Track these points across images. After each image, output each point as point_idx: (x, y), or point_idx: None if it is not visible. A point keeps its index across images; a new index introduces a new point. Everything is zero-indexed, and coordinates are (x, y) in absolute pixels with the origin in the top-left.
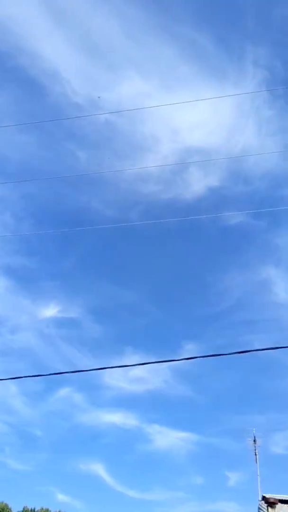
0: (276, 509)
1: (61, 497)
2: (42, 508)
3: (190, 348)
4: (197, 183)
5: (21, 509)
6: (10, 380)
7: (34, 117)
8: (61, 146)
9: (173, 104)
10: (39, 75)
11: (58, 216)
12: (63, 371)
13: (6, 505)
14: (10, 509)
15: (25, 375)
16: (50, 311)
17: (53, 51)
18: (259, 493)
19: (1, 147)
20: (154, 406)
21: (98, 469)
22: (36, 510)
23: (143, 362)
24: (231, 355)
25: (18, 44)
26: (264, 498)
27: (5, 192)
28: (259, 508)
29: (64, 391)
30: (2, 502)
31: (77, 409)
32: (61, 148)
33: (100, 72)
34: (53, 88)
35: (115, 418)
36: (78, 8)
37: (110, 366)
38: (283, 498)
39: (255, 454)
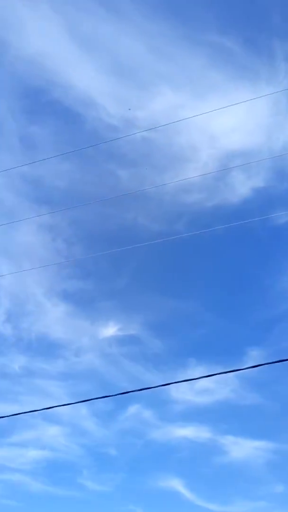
0: None
1: None
2: None
3: (254, 354)
4: (242, 186)
5: None
6: (80, 403)
7: (74, 145)
8: (101, 168)
9: (207, 112)
10: (73, 104)
11: (107, 236)
12: (130, 390)
13: None
14: None
15: (95, 397)
16: (110, 330)
17: (84, 79)
18: None
19: (47, 178)
20: (225, 417)
21: (176, 484)
22: None
23: (208, 374)
24: None
25: (50, 78)
26: None
27: (55, 220)
28: None
29: (133, 409)
30: None
31: (148, 425)
32: (102, 171)
33: (131, 92)
34: (88, 114)
35: (186, 432)
36: (103, 33)
37: (176, 381)
38: None
39: None
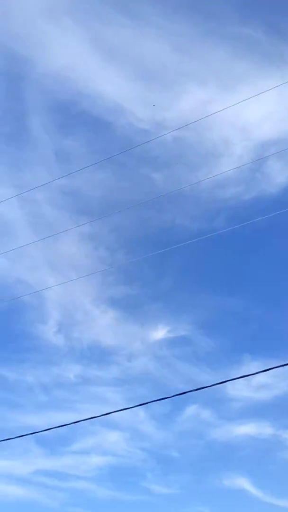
0: None
1: None
2: None
3: None
4: (279, 175)
5: None
6: (138, 406)
7: (107, 153)
8: (136, 173)
9: (237, 104)
10: (103, 113)
11: (147, 240)
12: (187, 391)
13: None
14: None
15: (151, 400)
16: (160, 332)
17: (111, 87)
18: None
19: (84, 189)
20: (286, 411)
21: (243, 482)
22: None
23: (264, 368)
24: None
25: (78, 90)
26: None
27: (95, 229)
28: None
29: (190, 410)
30: None
31: (207, 425)
32: (136, 175)
33: (158, 94)
34: (118, 121)
35: (247, 429)
36: (125, 39)
37: (232, 378)
38: None
39: None
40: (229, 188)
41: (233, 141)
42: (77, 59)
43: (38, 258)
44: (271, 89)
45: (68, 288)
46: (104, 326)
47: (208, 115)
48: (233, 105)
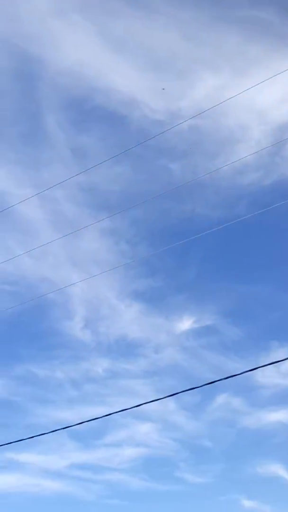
0: None
1: (247, 503)
2: None
3: None
4: None
5: None
6: (168, 397)
7: (123, 146)
8: (153, 165)
9: (252, 87)
10: (117, 107)
11: (168, 231)
12: (216, 379)
13: None
14: None
15: (181, 390)
16: (186, 323)
17: (124, 80)
18: None
19: (102, 184)
20: None
21: (277, 469)
22: None
23: None
24: None
25: (91, 86)
26: None
27: (115, 223)
28: None
29: (220, 399)
30: None
31: (239, 413)
32: (153, 167)
33: (171, 83)
34: (132, 114)
35: (279, 416)
36: (135, 31)
37: (261, 365)
38: None
39: None
40: (248, 174)
41: (250, 126)
42: (88, 55)
43: (60, 255)
44: (286, 70)
45: (92, 284)
46: (129, 319)
47: (223, 101)
48: (248, 89)
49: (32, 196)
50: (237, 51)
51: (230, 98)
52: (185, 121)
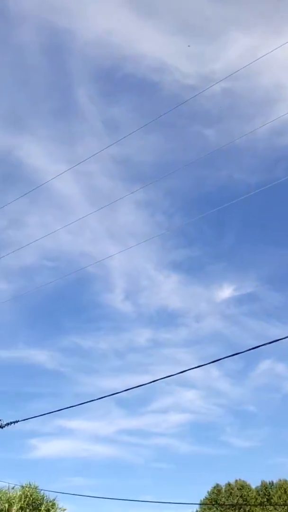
0: None
1: None
2: (280, 480)
3: None
4: None
5: (259, 483)
6: (210, 364)
7: (155, 115)
8: (186, 132)
9: (285, 43)
10: (147, 73)
11: (204, 199)
12: (259, 345)
13: (244, 481)
14: (249, 485)
15: (224, 356)
16: (226, 291)
17: (153, 46)
18: None
19: (135, 155)
20: None
21: None
22: (274, 482)
23: None
24: None
25: (120, 54)
26: None
27: (150, 195)
28: None
29: (264, 365)
30: (240, 480)
31: (283, 379)
32: (187, 134)
33: (202, 47)
34: (164, 80)
35: None
36: None
37: None
38: None
39: None
40: (287, 135)
41: (286, 85)
42: (116, 23)
43: (97, 229)
44: None
45: (130, 257)
46: (169, 290)
47: (257, 59)
48: (282, 45)
49: (66, 171)
50: (268, 9)
51: (263, 56)
52: (217, 82)
